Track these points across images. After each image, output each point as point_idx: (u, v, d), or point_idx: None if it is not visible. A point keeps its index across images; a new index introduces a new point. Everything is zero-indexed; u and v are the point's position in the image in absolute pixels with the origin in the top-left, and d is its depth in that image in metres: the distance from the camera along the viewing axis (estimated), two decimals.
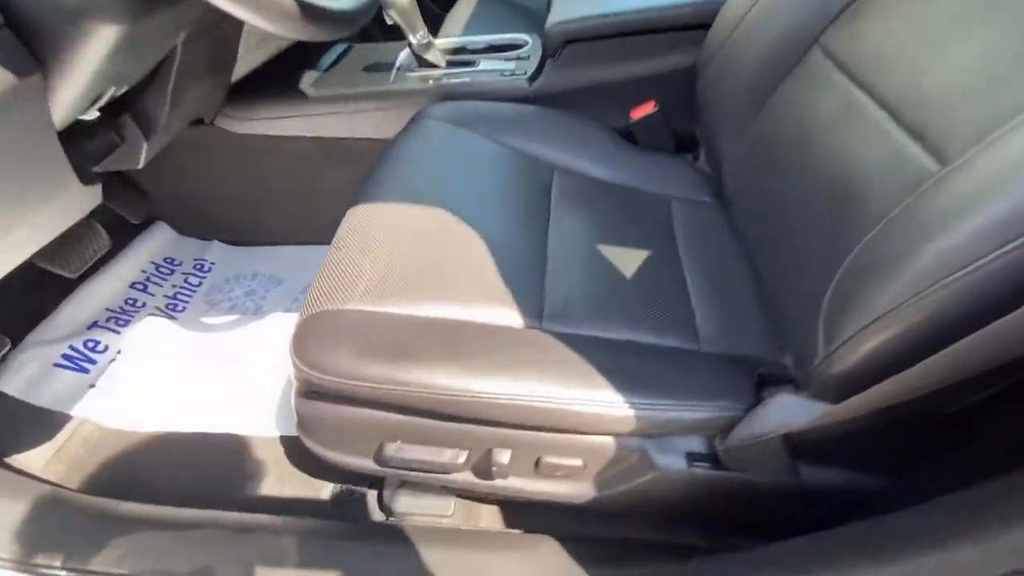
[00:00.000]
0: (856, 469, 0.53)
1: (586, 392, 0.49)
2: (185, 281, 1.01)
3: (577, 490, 0.57)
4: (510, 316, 0.55)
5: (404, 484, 0.68)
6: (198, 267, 1.04)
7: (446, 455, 0.54)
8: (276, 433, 0.76)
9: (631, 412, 0.49)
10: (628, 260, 0.62)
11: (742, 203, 0.69)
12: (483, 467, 0.55)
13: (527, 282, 0.58)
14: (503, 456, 0.53)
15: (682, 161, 0.82)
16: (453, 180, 0.69)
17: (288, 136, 0.93)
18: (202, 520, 0.61)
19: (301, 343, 0.53)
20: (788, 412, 0.47)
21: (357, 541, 0.60)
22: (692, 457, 0.52)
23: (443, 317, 0.54)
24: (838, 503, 0.54)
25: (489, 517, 0.69)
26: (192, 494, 0.67)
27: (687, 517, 0.64)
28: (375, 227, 0.61)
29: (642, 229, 0.67)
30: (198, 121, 0.91)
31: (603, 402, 0.49)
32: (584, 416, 0.50)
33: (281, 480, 0.73)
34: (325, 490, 0.72)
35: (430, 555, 0.57)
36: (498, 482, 0.57)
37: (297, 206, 1.02)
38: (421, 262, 0.58)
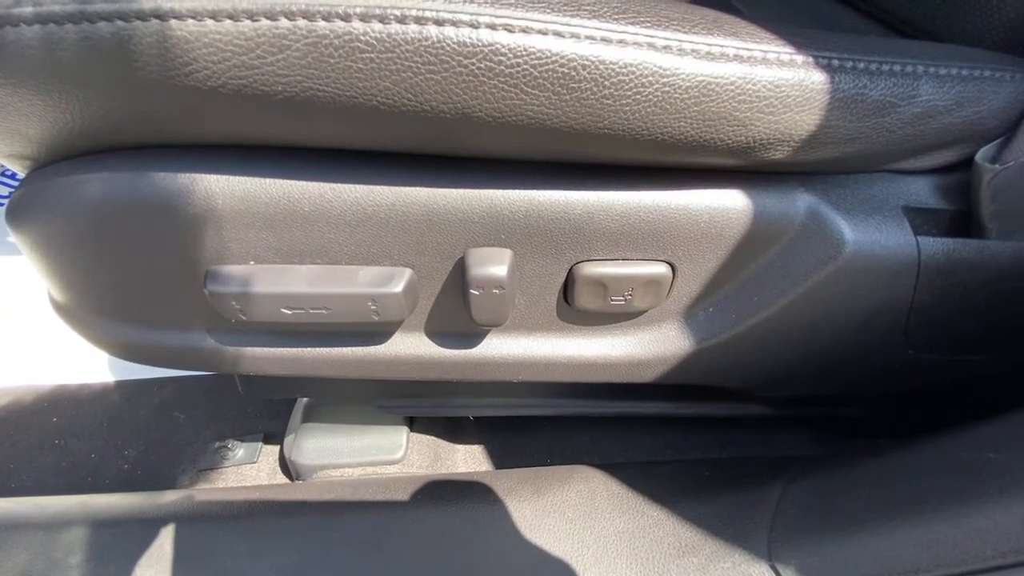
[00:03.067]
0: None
1: None
2: None
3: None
4: None
5: (311, 418, 0.49)
6: None
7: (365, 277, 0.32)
8: (111, 378, 0.57)
9: None
10: None
11: None
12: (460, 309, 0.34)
13: None
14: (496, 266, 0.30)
15: None
16: None
17: None
18: (47, 508, 0.43)
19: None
20: None
21: (263, 519, 0.41)
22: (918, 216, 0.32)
23: None
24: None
25: (457, 457, 0.53)
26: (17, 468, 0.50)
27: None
28: None
29: None
30: None
31: None
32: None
33: (133, 437, 0.52)
34: (195, 448, 0.51)
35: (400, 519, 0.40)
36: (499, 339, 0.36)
37: None
38: None
